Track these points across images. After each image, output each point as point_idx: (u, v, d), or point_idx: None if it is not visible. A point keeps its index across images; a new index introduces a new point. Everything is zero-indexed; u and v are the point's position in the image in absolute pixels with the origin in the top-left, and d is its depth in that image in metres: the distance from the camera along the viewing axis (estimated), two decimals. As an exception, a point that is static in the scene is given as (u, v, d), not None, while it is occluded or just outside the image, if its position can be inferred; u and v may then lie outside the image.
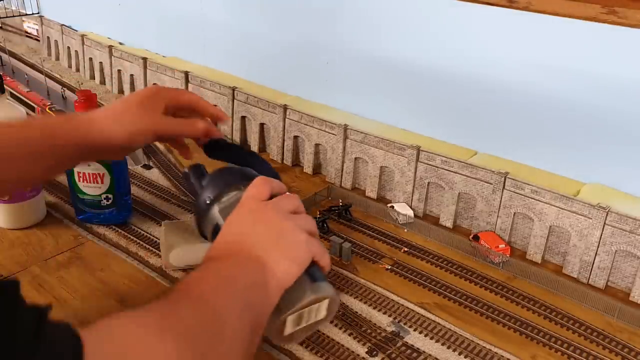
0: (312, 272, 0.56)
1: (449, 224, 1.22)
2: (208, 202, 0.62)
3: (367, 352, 0.88)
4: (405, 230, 1.20)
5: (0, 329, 0.32)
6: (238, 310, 0.48)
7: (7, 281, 0.35)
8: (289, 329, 0.54)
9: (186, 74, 1.67)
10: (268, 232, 0.56)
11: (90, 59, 2.03)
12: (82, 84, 1.95)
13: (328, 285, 0.56)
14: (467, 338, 0.91)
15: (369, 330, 0.92)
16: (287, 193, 0.63)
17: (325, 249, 0.59)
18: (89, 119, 0.72)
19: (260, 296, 0.51)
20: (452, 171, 1.18)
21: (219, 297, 0.48)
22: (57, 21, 2.20)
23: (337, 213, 1.23)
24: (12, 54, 2.21)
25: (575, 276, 1.06)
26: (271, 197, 0.60)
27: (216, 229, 0.61)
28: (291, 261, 0.54)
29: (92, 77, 2.04)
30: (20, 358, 0.32)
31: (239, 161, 0.68)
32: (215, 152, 0.70)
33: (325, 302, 0.55)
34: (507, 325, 0.94)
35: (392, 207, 1.24)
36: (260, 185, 0.60)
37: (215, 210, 0.61)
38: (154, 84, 1.78)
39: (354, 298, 0.99)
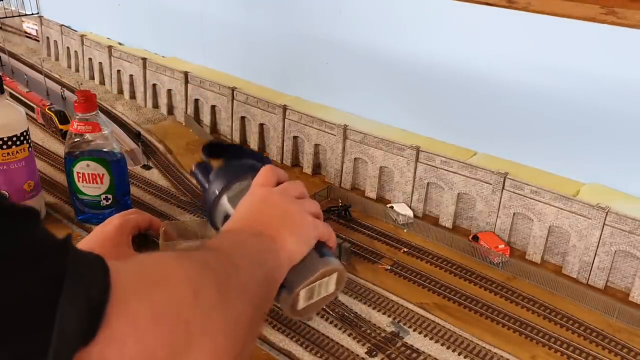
0: (320, 249, 0.60)
1: (449, 225, 1.22)
2: (217, 192, 0.65)
3: (366, 353, 0.88)
4: (405, 230, 1.20)
5: (29, 248, 0.33)
6: (251, 262, 0.52)
7: (31, 207, 0.36)
8: (301, 304, 0.58)
9: (185, 74, 1.67)
10: (277, 214, 0.60)
11: (90, 59, 2.02)
12: (81, 84, 1.94)
13: (336, 260, 0.60)
14: (467, 338, 0.91)
15: (368, 331, 0.92)
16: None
17: (332, 229, 0.63)
18: None
19: (272, 259, 0.55)
20: (451, 171, 1.18)
21: (233, 250, 0.53)
22: (56, 21, 2.19)
23: (337, 213, 1.23)
24: (12, 54, 2.21)
25: (575, 276, 1.06)
26: (277, 184, 0.64)
27: (227, 218, 0.65)
28: (299, 239, 0.58)
29: (92, 78, 2.04)
30: (49, 273, 0.33)
31: (236, 157, 0.70)
32: (213, 154, 0.72)
33: (334, 277, 0.59)
34: (507, 325, 0.94)
35: (392, 207, 1.24)
36: (267, 173, 0.65)
37: (225, 200, 0.65)
38: (153, 84, 1.78)
39: (354, 298, 0.99)
